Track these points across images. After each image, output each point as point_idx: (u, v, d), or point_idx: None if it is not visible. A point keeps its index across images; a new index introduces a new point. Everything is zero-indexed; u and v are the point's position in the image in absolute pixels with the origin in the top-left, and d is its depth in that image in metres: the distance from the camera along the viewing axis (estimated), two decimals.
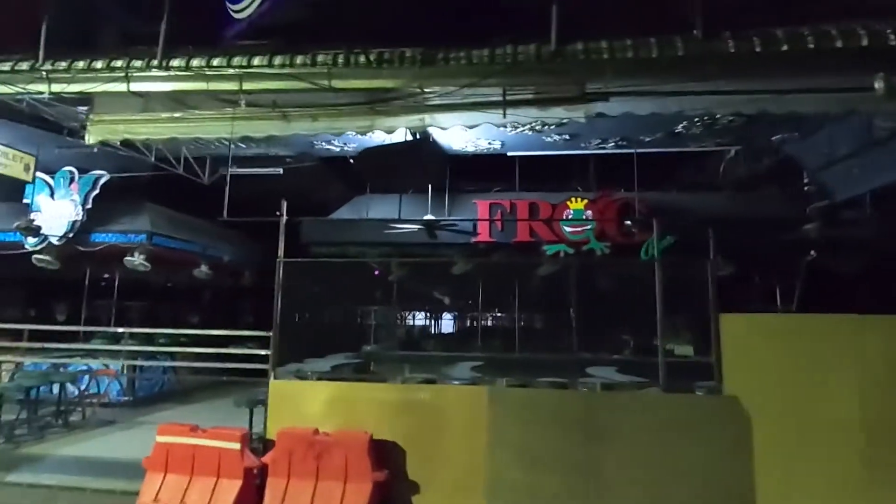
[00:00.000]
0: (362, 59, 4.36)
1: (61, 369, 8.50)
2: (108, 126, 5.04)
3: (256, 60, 4.49)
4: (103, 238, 9.66)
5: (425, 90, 4.38)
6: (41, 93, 4.78)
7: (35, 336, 8.45)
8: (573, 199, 8.47)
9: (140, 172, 9.42)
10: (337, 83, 4.42)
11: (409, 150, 5.00)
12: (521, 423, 5.22)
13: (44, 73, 4.73)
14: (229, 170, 9.70)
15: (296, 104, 4.64)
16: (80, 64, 4.75)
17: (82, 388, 8.53)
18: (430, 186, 8.53)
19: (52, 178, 9.69)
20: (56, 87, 4.78)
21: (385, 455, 5.20)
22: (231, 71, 4.44)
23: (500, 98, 4.32)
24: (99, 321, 11.78)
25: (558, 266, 8.95)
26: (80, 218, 9.55)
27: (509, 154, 8.28)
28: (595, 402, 5.23)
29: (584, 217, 8.34)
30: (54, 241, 9.56)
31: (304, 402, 5.59)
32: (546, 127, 6.87)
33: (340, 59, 4.40)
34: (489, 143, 7.70)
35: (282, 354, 5.85)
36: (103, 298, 11.77)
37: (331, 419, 5.44)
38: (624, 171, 9.32)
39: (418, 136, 5.69)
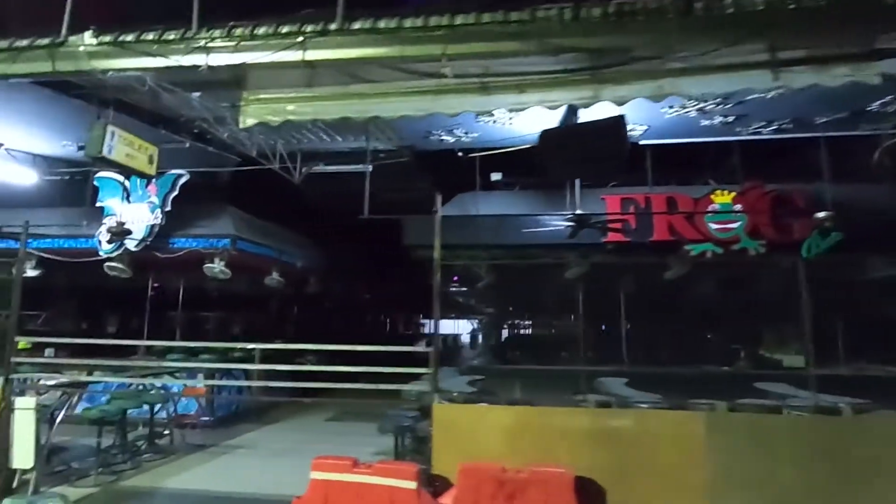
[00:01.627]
0: (596, 12, 3.64)
1: (149, 389, 7.88)
2: (268, 106, 4.38)
3: (459, 19, 3.80)
4: (183, 243, 9.07)
5: (671, 51, 3.64)
6: (198, 66, 4.14)
7: (99, 351, 7.88)
8: (718, 191, 7.65)
9: (207, 171, 8.83)
10: (558, 43, 3.69)
11: (607, 130, 4.26)
12: (752, 458, 4.42)
13: (202, 41, 4.10)
14: (318, 166, 9.19)
15: (498, 73, 3.94)
16: (240, 31, 4.11)
17: (171, 409, 7.89)
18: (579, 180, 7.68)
19: (128, 178, 9.15)
20: (216, 59, 4.14)
21: (588, 496, 4.43)
22: (438, 32, 3.73)
23: (768, 57, 3.57)
24: (168, 334, 11.24)
25: (689, 268, 8.16)
26: (159, 221, 8.97)
27: (641, 143, 7.52)
28: (847, 430, 4.40)
29: (732, 212, 7.50)
30: (131, 247, 8.99)
31: (478, 431, 4.84)
32: (719, 105, 6.12)
33: (567, 14, 3.68)
34: (632, 128, 6.93)
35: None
36: (171, 309, 11.23)
37: (512, 451, 4.69)
38: (764, 161, 8.49)
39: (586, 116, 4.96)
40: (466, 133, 7.20)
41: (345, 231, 14.84)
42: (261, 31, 4.10)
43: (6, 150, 7.88)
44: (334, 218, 14.55)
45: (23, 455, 5.57)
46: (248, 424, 9.54)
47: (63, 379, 6.35)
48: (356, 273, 17.19)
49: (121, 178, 9.18)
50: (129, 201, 9.17)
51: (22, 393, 5.73)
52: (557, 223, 8.34)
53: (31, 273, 9.95)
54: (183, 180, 9.04)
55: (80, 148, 7.90)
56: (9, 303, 10.29)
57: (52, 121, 7.05)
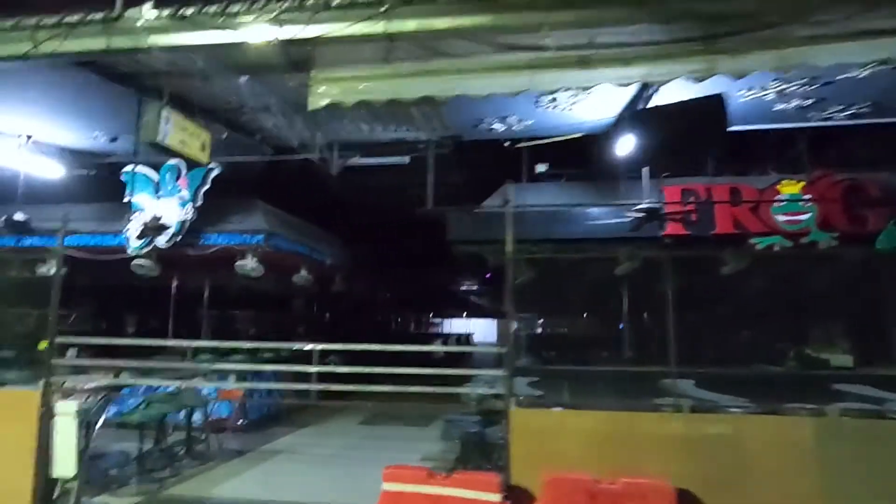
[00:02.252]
0: None
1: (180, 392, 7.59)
2: (341, 85, 4.03)
3: None
4: (215, 239, 8.77)
5: (804, 16, 3.28)
6: (269, 42, 3.80)
7: (125, 352, 7.59)
8: (785, 181, 7.27)
9: (240, 162, 8.51)
10: (671, 8, 3.34)
11: (703, 111, 3.91)
12: (868, 465, 4.06)
13: (273, 13, 3.77)
14: (354, 159, 8.88)
15: (602, 45, 3.59)
16: (313, 0, 3.77)
17: (205, 412, 7.59)
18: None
19: (157, 172, 8.88)
20: (288, 32, 3.80)
21: None
22: None
23: None
24: (192, 334, 10.96)
25: (747, 262, 7.78)
26: (190, 217, 8.67)
27: None
28: None
29: (801, 203, 7.11)
30: (162, 243, 8.71)
31: (559, 438, 4.50)
32: (803, 87, 5.75)
33: None
34: None
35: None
36: (196, 309, 10.95)
37: (598, 460, 4.35)
38: (831, 149, 8.10)
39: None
40: (520, 121, 6.86)
41: (372, 227, 14.56)
42: (336, 0, 3.75)
43: (33, 142, 7.61)
44: (363, 214, 14.30)
45: (64, 463, 5.29)
46: (280, 428, 9.25)
47: (103, 381, 6.06)
48: (379, 271, 16.90)
49: (150, 171, 8.92)
50: (158, 196, 8.88)
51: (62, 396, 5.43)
52: (610, 216, 8.01)
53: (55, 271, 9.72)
54: (215, 173, 8.75)
55: (112, 139, 7.66)
56: (36, 302, 10.06)
57: (83, 110, 6.77)
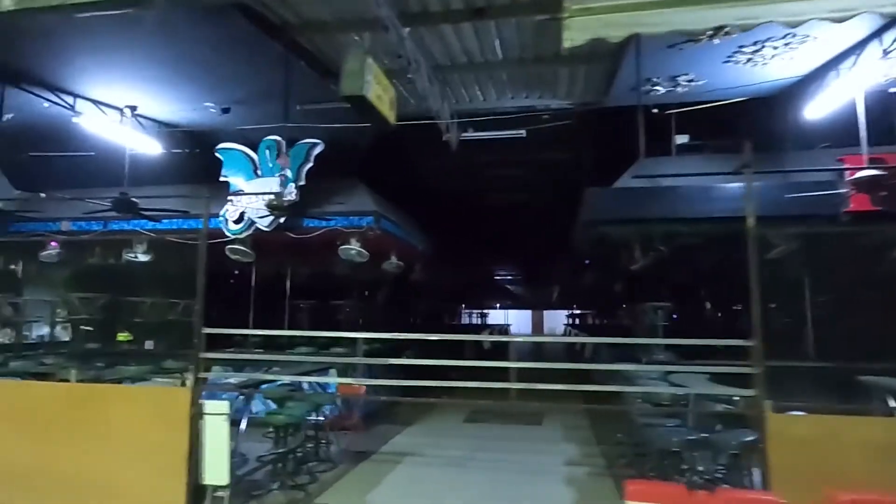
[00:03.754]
0: None
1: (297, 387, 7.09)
2: (604, 17, 3.38)
3: None
4: (320, 222, 8.21)
5: None
6: None
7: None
8: None
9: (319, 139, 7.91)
10: None
11: None
12: None
13: None
14: (468, 133, 8.23)
15: None
16: None
17: (327, 410, 7.08)
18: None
19: (255, 149, 8.34)
20: None
21: None
22: None
23: None
24: (277, 324, 10.51)
25: None
26: (293, 197, 8.12)
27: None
28: None
29: None
30: (263, 226, 8.20)
31: (831, 449, 3.83)
32: None
33: None
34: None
35: None
36: (285, 296, 10.49)
37: (882, 475, 3.68)
38: None
39: None
40: (691, 81, 6.13)
41: (458, 210, 13.93)
42: None
43: (134, 116, 7.11)
44: (451, 196, 13.69)
45: (216, 469, 4.79)
46: (386, 426, 8.72)
47: (247, 377, 5.54)
48: (444, 259, 16.33)
49: (246, 149, 8.38)
50: (257, 175, 8.35)
51: (212, 395, 4.92)
52: (775, 192, 7.21)
53: (141, 258, 9.31)
54: (318, 150, 8.18)
55: (224, 110, 7.11)
56: (125, 289, 9.68)
57: (204, 73, 6.24)
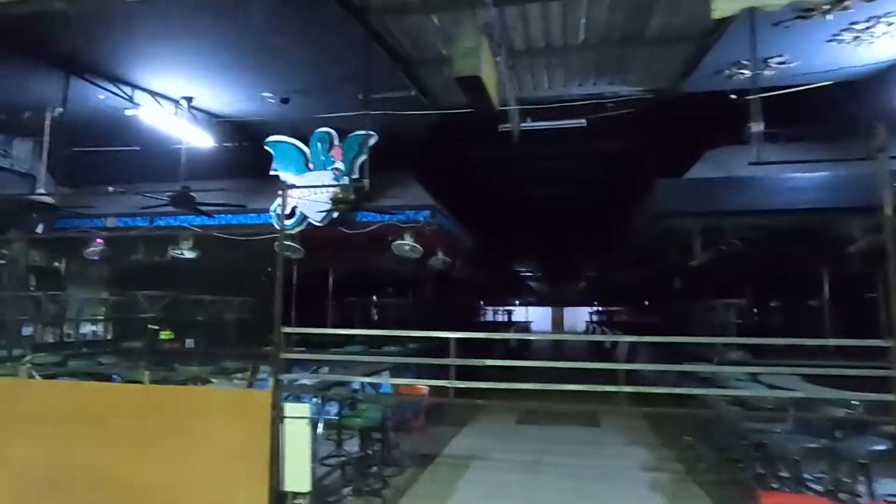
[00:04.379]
0: None
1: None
2: None
3: None
4: (375, 216, 8.00)
5: None
6: None
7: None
8: None
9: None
10: None
11: None
12: None
13: None
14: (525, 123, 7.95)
15: None
16: None
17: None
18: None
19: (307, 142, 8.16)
20: None
21: None
22: None
23: None
24: (320, 322, 10.34)
25: None
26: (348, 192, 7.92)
27: None
28: None
29: None
30: (316, 221, 8.01)
31: None
32: None
33: None
34: None
35: None
36: (334, 294, 10.31)
37: None
38: None
39: None
40: (783, 62, 5.80)
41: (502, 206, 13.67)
42: None
43: (191, 108, 6.94)
44: (497, 190, 13.44)
45: (297, 476, 4.59)
46: (439, 428, 8.51)
47: (329, 377, 5.34)
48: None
49: (297, 141, 8.19)
50: (309, 168, 8.16)
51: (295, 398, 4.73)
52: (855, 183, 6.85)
53: (187, 254, 9.19)
54: (372, 141, 7.95)
55: (283, 100, 6.91)
56: (177, 285, 9.55)
57: (265, 62, 6.04)
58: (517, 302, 46.94)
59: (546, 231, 16.45)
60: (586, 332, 38.48)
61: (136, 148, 8.30)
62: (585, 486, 5.81)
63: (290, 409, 4.64)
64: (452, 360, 5.88)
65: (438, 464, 6.61)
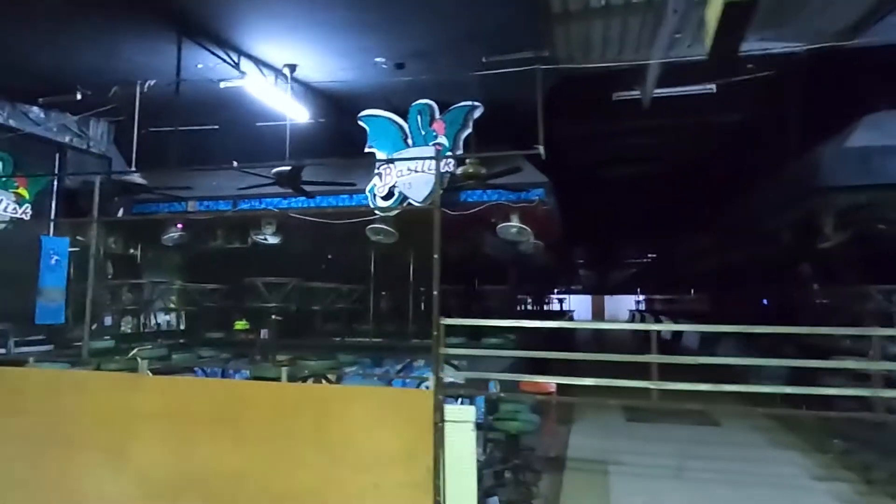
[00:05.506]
0: None
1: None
2: None
3: None
4: (482, 195, 7.41)
5: None
6: None
7: None
8: None
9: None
10: None
11: None
12: None
13: None
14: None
15: None
16: None
17: None
18: None
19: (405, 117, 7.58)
20: None
21: None
22: None
23: None
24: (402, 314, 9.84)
25: None
26: (451, 169, 7.34)
27: None
28: None
29: None
30: (418, 200, 7.46)
31: None
32: None
33: None
34: None
35: None
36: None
37: None
38: None
39: None
40: None
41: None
42: None
43: (293, 78, 6.40)
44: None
45: (462, 487, 4.06)
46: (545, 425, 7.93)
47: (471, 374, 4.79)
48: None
49: (394, 115, 7.63)
50: (407, 144, 7.60)
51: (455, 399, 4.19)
52: None
53: (271, 240, 8.77)
54: (477, 113, 7.35)
55: (399, 65, 6.31)
56: (261, 269, 9.14)
57: (379, 19, 5.44)
58: (559, 290, 45.76)
59: (614, 214, 15.60)
60: (631, 320, 37.50)
61: (215, 127, 7.88)
62: (759, 494, 5.16)
63: (453, 412, 4.10)
64: (607, 356, 5.24)
65: (573, 468, 6.05)
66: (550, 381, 6.36)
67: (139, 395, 4.62)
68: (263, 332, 10.52)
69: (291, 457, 4.21)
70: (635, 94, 7.12)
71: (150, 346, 6.17)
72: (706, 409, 8.39)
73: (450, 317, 4.43)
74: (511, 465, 4.98)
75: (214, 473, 4.39)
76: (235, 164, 5.93)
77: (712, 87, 7.40)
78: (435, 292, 4.20)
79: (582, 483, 5.55)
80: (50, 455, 4.71)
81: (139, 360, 5.26)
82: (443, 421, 4.04)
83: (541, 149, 4.70)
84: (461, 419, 4.07)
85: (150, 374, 5.28)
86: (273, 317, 6.31)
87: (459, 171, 6.76)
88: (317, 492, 4.13)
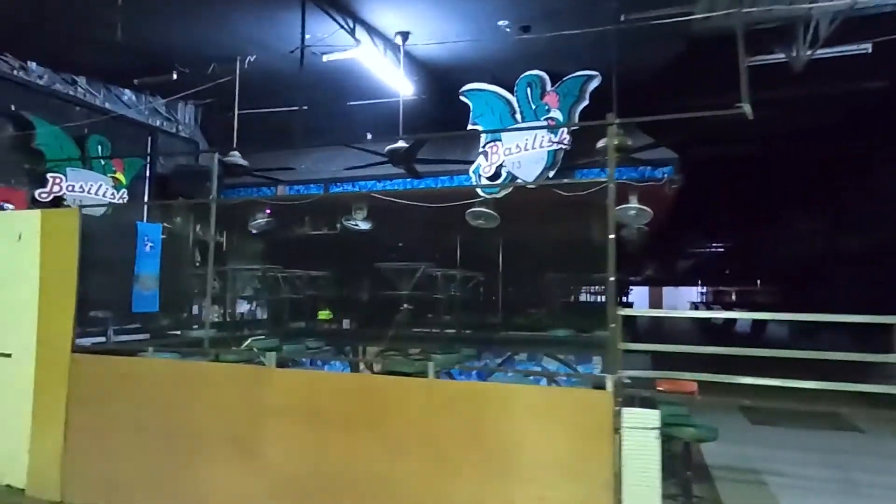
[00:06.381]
0: None
1: None
2: None
3: None
4: (599, 172, 6.80)
5: None
6: None
7: None
8: None
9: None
10: None
11: None
12: None
13: None
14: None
15: None
16: None
17: None
18: None
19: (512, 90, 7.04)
20: None
21: None
22: None
23: None
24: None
25: None
26: (565, 145, 6.77)
27: None
28: None
29: None
30: (529, 179, 6.92)
31: None
32: None
33: None
34: None
35: None
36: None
37: None
38: None
39: None
40: None
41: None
42: None
43: (407, 48, 5.94)
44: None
45: (644, 501, 3.54)
46: None
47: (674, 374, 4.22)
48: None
49: (501, 89, 7.09)
50: (516, 119, 7.06)
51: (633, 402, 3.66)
52: None
53: (361, 225, 8.40)
54: (594, 84, 6.72)
55: (524, 28, 5.76)
56: (351, 256, 8.79)
57: None
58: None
59: (716, 198, 14.57)
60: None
61: (305, 107, 7.54)
62: None
63: (631, 416, 3.58)
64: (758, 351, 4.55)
65: (722, 478, 5.42)
66: (737, 380, 5.76)
67: (267, 389, 4.31)
68: (345, 322, 10.27)
69: (443, 463, 3.80)
70: (779, 57, 6.34)
71: (263, 336, 5.91)
72: (844, 413, 7.68)
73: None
74: (684, 477, 4.41)
75: (351, 477, 4.04)
76: (369, 136, 5.51)
77: (867, 47, 6.54)
78: (611, 278, 3.67)
79: (741, 496, 4.93)
80: (174, 448, 4.49)
81: (255, 350, 4.96)
82: (622, 427, 3.54)
83: (746, 107, 4.03)
84: (645, 425, 3.56)
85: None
86: (405, 306, 5.90)
87: (601, 143, 6.16)
88: None
